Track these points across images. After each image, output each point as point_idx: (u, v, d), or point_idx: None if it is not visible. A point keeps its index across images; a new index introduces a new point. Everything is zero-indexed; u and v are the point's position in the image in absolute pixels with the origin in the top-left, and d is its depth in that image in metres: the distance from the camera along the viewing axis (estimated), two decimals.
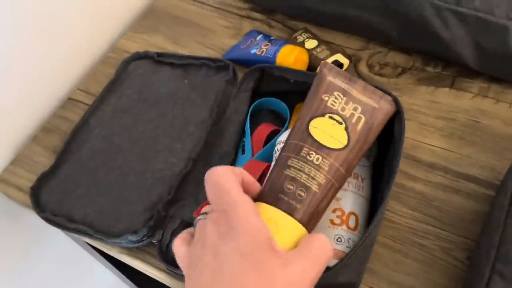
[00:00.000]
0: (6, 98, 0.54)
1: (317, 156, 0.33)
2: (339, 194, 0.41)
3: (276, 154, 0.46)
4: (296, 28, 0.61)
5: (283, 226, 0.31)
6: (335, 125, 0.35)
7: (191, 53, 0.62)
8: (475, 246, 0.41)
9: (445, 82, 0.54)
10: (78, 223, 0.47)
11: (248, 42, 0.59)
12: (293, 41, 0.58)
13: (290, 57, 0.54)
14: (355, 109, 0.36)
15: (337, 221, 0.40)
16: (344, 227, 0.40)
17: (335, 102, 0.36)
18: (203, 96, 0.55)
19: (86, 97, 0.60)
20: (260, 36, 0.59)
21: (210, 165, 0.49)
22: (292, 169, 0.33)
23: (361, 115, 0.36)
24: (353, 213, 0.41)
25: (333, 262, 0.38)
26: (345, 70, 0.56)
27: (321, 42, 0.57)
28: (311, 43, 0.57)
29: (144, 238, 0.44)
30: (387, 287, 0.42)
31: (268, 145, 0.48)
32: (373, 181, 0.44)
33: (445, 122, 0.51)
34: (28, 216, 0.62)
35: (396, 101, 0.40)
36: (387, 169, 0.42)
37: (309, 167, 0.33)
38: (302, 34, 0.58)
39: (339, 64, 0.55)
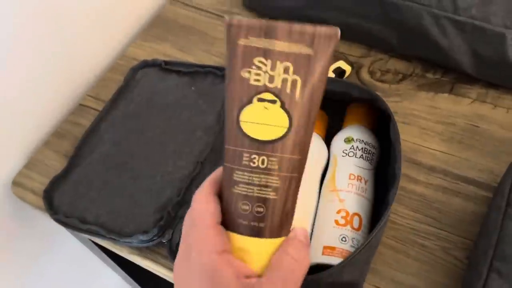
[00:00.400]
0: (19, 104, 0.56)
1: (261, 158, 0.28)
2: (343, 196, 0.43)
3: None
4: None
5: (254, 252, 0.29)
6: (269, 107, 0.28)
7: (198, 61, 0.63)
8: (473, 246, 0.43)
9: (444, 88, 0.56)
10: (90, 224, 0.48)
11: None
12: None
13: None
14: (286, 70, 0.28)
15: (342, 221, 0.42)
16: (349, 227, 0.41)
17: (259, 74, 0.28)
18: (210, 103, 0.57)
19: (96, 103, 0.62)
20: None
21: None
22: (241, 185, 0.29)
23: (295, 76, 0.27)
24: (357, 214, 0.42)
25: (338, 260, 0.40)
26: (347, 76, 0.58)
27: None
28: None
29: (155, 238, 0.46)
30: (390, 286, 0.44)
31: None
32: (376, 183, 0.46)
33: (444, 127, 0.53)
34: (39, 221, 0.64)
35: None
36: (390, 173, 0.44)
37: (257, 175, 0.28)
38: None
39: (341, 71, 0.57)
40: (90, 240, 0.65)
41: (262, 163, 0.28)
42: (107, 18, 0.65)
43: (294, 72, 0.27)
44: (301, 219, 0.43)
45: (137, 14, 0.70)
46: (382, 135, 0.48)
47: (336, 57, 0.59)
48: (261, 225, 0.28)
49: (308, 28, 0.27)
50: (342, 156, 0.46)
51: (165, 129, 0.56)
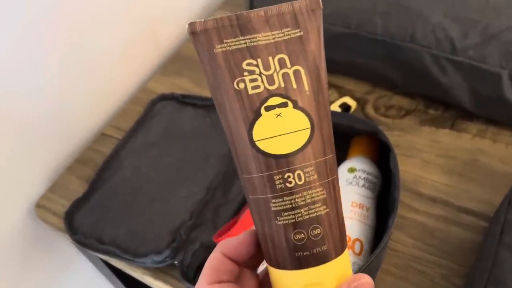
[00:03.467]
0: (45, 131, 0.61)
1: (296, 174, 0.24)
2: (346, 222, 0.45)
3: None
4: None
5: (329, 279, 0.24)
6: (281, 112, 0.23)
7: None
8: (470, 270, 0.44)
9: (446, 123, 0.59)
10: (107, 244, 0.51)
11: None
12: None
13: None
14: (282, 64, 0.23)
15: None
16: (350, 251, 0.44)
17: (255, 80, 0.23)
18: (223, 133, 0.61)
19: (117, 132, 0.66)
20: None
21: (228, 195, 0.54)
22: (284, 214, 0.24)
23: (296, 67, 0.24)
24: (358, 240, 0.45)
25: None
26: (353, 112, 0.61)
27: (330, 86, 0.63)
28: None
29: (167, 259, 0.48)
30: None
31: None
32: (378, 210, 0.48)
33: (446, 160, 0.56)
34: (58, 244, 0.67)
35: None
36: (390, 201, 0.46)
37: (298, 195, 0.24)
38: None
39: (347, 106, 0.61)
40: (105, 264, 0.68)
41: (299, 178, 0.24)
42: (129, 55, 0.70)
43: (292, 62, 0.23)
44: None
45: (157, 51, 0.76)
46: (385, 165, 0.51)
47: (342, 93, 0.62)
48: (324, 247, 0.24)
49: (285, 7, 0.23)
50: (345, 185, 0.48)
51: (181, 156, 0.60)
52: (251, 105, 0.23)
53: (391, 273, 0.47)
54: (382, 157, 0.52)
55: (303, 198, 0.24)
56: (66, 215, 0.55)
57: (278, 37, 0.23)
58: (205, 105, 0.65)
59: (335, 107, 0.60)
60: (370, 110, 0.62)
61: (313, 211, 0.24)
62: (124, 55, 0.69)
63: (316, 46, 0.24)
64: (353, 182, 0.48)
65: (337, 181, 0.25)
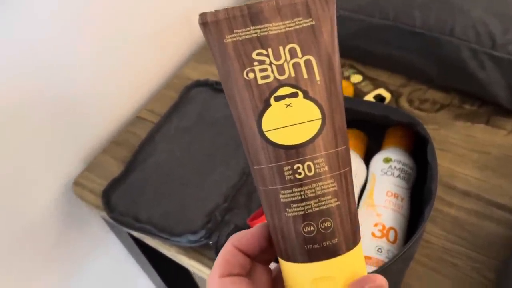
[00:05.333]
0: (84, 114, 0.63)
1: (306, 165, 0.23)
2: (380, 211, 0.46)
3: None
4: (342, 64, 0.67)
5: (339, 273, 0.24)
6: (292, 102, 0.23)
7: None
8: (502, 265, 0.45)
9: (481, 119, 0.59)
10: (143, 223, 0.53)
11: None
12: None
13: None
14: (292, 53, 0.23)
15: (378, 234, 0.45)
16: (385, 239, 0.44)
17: (265, 70, 0.23)
18: None
19: (151, 116, 0.67)
20: None
21: None
22: (294, 206, 0.23)
23: (307, 56, 0.23)
24: (393, 228, 0.45)
25: (373, 269, 0.42)
26: (387, 103, 0.61)
27: (365, 77, 0.63)
28: (356, 78, 0.63)
29: (202, 239, 0.50)
30: None
31: None
32: (412, 202, 0.48)
33: (479, 155, 0.55)
34: (89, 222, 0.69)
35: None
36: (426, 193, 0.46)
37: (309, 186, 0.23)
38: (348, 70, 0.65)
39: (381, 98, 0.61)
40: (136, 243, 0.70)
41: (309, 170, 0.23)
42: (164, 41, 0.72)
43: (304, 52, 0.23)
44: None
45: (192, 38, 0.77)
46: (418, 157, 0.51)
47: (376, 85, 0.62)
48: (335, 241, 0.24)
49: None
50: (381, 174, 0.49)
51: (214, 142, 0.61)
52: (261, 95, 0.23)
53: (423, 263, 0.48)
54: (416, 149, 0.53)
55: (313, 190, 0.23)
56: (104, 193, 0.57)
57: (289, 27, 0.23)
58: None
59: (370, 98, 0.61)
60: (404, 103, 0.62)
61: (323, 203, 0.23)
62: (159, 41, 0.71)
63: (328, 36, 0.24)
64: (388, 172, 0.49)
65: (350, 173, 0.25)
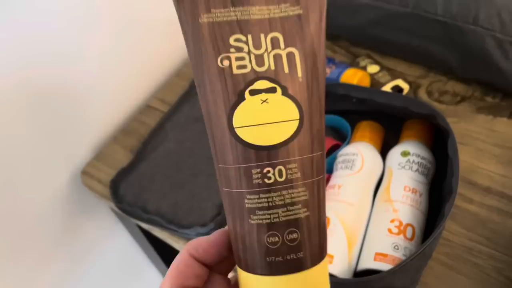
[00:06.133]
0: (92, 102, 0.61)
1: (277, 169, 0.21)
2: (397, 206, 0.44)
3: (336, 167, 0.50)
4: (359, 54, 0.65)
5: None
6: (268, 98, 0.21)
7: None
8: None
9: (504, 112, 0.56)
10: (152, 214, 0.51)
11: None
12: (356, 65, 0.61)
13: (353, 79, 0.58)
14: (274, 43, 0.21)
15: (395, 230, 0.43)
16: (402, 236, 0.42)
17: (242, 58, 0.20)
18: None
19: (161, 105, 0.66)
20: None
21: None
22: (259, 212, 0.21)
23: (290, 49, 0.21)
24: (410, 225, 0.43)
25: (389, 267, 0.40)
26: (405, 94, 0.59)
27: (383, 67, 0.61)
28: (373, 68, 0.61)
29: (211, 232, 0.48)
30: None
31: (329, 157, 0.51)
32: (430, 197, 0.46)
33: (502, 150, 0.53)
34: (97, 211, 0.68)
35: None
36: (445, 188, 0.44)
37: (277, 193, 0.21)
38: (365, 59, 0.62)
39: (399, 89, 0.59)
40: (143, 234, 0.69)
41: (280, 175, 0.21)
42: (175, 29, 0.70)
43: (287, 44, 0.21)
44: (353, 227, 0.44)
45: None
46: (437, 152, 0.49)
47: (394, 75, 0.60)
48: (300, 254, 0.21)
49: None
50: (398, 168, 0.47)
51: None
52: (235, 86, 0.20)
53: (442, 262, 0.46)
54: (435, 143, 0.50)
55: (282, 197, 0.21)
56: (112, 183, 0.56)
57: (274, 13, 0.20)
58: None
59: (387, 89, 0.58)
60: (423, 94, 0.59)
61: (291, 212, 0.21)
62: (170, 29, 0.69)
63: (316, 28, 0.21)
64: (406, 166, 0.46)
65: (324, 182, 0.22)
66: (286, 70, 0.21)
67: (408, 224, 0.43)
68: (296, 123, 0.21)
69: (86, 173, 0.60)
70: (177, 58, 0.72)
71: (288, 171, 0.21)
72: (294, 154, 0.21)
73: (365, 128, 0.52)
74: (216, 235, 0.23)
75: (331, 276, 0.41)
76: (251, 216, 0.21)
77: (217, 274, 0.24)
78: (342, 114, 0.56)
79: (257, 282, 0.22)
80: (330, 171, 0.51)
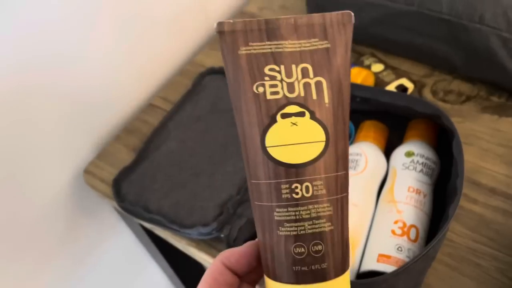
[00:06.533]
0: (95, 99, 0.61)
1: (304, 186, 0.23)
2: (401, 207, 0.44)
3: None
4: (363, 53, 0.64)
5: None
6: (298, 121, 0.23)
7: None
8: None
9: (509, 112, 0.56)
10: (154, 213, 0.51)
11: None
12: (360, 64, 0.61)
13: (358, 78, 0.57)
14: (304, 73, 0.23)
15: (398, 232, 0.42)
16: (405, 238, 0.42)
17: (275, 86, 0.23)
18: None
19: (164, 104, 0.65)
20: None
21: None
22: (287, 225, 0.23)
23: (318, 78, 0.23)
24: (414, 226, 0.43)
25: (392, 268, 0.40)
26: (409, 94, 0.59)
27: (387, 66, 0.60)
28: (377, 67, 0.60)
29: (213, 232, 0.48)
30: None
31: None
32: (434, 198, 0.46)
33: (507, 150, 0.52)
34: (100, 210, 0.68)
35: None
36: (450, 189, 0.44)
37: (304, 207, 0.23)
38: (369, 58, 0.62)
39: (404, 88, 0.58)
40: (146, 233, 0.69)
41: (307, 191, 0.23)
42: (179, 28, 0.70)
43: (315, 73, 0.23)
44: (356, 227, 0.44)
45: (207, 25, 0.75)
46: (442, 152, 0.48)
47: (399, 74, 0.60)
48: (323, 265, 0.23)
49: (316, 17, 0.23)
50: (402, 169, 0.46)
51: (227, 132, 0.59)
52: (268, 110, 0.23)
53: (445, 263, 0.46)
54: (440, 143, 0.50)
55: (308, 212, 0.23)
56: (114, 182, 0.56)
57: (304, 47, 0.23)
58: None
59: (392, 88, 0.58)
60: (427, 94, 0.59)
61: (317, 226, 0.23)
62: (174, 28, 0.69)
63: (342, 60, 0.24)
64: (410, 166, 0.46)
65: (347, 200, 0.24)
66: (314, 96, 0.23)
67: (412, 225, 0.43)
68: (323, 144, 0.23)
69: (89, 172, 0.60)
70: (180, 57, 0.72)
71: (314, 188, 0.23)
72: (320, 172, 0.23)
73: (369, 128, 0.51)
74: (247, 246, 0.25)
75: None
76: (280, 228, 0.23)
77: (245, 284, 0.26)
78: None
79: None
80: None
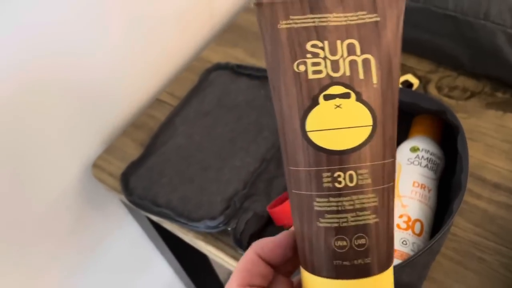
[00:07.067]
0: (103, 94, 0.62)
1: (348, 174, 0.21)
2: (405, 202, 0.44)
3: None
4: None
5: None
6: (342, 104, 0.21)
7: None
8: None
9: None
10: (162, 207, 0.52)
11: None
12: None
13: None
14: (351, 50, 0.21)
15: (403, 225, 0.43)
16: (410, 231, 0.43)
17: (317, 64, 0.21)
18: None
19: (171, 99, 0.66)
20: None
21: (282, 168, 0.54)
22: (328, 216, 0.21)
23: (366, 55, 0.21)
24: (419, 220, 0.43)
25: (397, 262, 0.41)
26: (415, 90, 0.59)
27: None
28: None
29: (220, 225, 0.49)
30: None
31: None
32: (439, 193, 0.46)
33: (511, 146, 0.53)
34: (107, 204, 0.69)
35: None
36: (454, 184, 0.44)
37: (348, 198, 0.21)
38: None
39: (409, 84, 0.59)
40: (153, 226, 0.70)
41: (351, 180, 0.21)
42: (185, 24, 0.70)
43: (363, 50, 0.21)
44: None
45: (213, 21, 0.75)
46: (447, 148, 0.49)
47: (404, 70, 0.60)
48: (367, 260, 0.22)
49: None
50: (407, 164, 0.47)
51: (234, 127, 0.59)
52: (309, 91, 0.21)
53: (449, 257, 0.46)
54: (444, 139, 0.50)
55: (352, 202, 0.21)
56: (122, 176, 0.56)
57: (351, 20, 0.21)
58: (261, 76, 0.64)
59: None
60: (432, 89, 0.59)
61: (360, 218, 0.21)
62: (180, 23, 0.69)
63: (393, 36, 0.21)
64: (415, 161, 0.47)
65: (393, 189, 0.22)
66: (361, 76, 0.21)
67: (416, 220, 0.43)
68: (369, 129, 0.21)
69: (97, 166, 0.61)
70: (187, 52, 0.72)
71: (359, 177, 0.21)
72: (365, 160, 0.21)
73: None
74: (282, 236, 0.24)
75: None
76: (320, 219, 0.22)
77: (280, 275, 0.25)
78: None
79: (322, 284, 0.22)
80: None
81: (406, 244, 0.42)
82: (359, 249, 0.22)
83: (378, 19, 0.21)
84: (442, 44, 0.58)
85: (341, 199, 0.21)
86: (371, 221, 0.21)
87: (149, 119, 0.64)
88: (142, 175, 0.56)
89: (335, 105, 0.21)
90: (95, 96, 0.61)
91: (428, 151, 0.47)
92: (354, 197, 0.21)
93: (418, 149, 0.47)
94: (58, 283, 0.67)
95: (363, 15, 0.21)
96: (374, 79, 0.21)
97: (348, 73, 0.21)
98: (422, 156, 0.47)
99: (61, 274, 0.66)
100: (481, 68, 0.58)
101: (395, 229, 0.43)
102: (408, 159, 0.47)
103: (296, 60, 0.21)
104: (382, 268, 0.22)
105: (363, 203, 0.21)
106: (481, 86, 0.59)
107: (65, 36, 0.54)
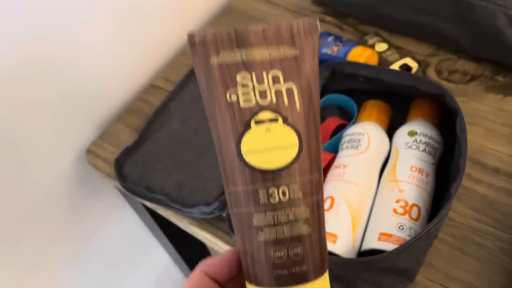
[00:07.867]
0: (97, 81, 0.61)
1: (281, 190, 0.24)
2: (403, 186, 0.44)
3: (341, 146, 0.49)
4: (367, 32, 0.63)
5: None
6: (271, 127, 0.24)
7: None
8: None
9: None
10: (156, 193, 0.51)
11: (319, 43, 0.62)
12: (364, 44, 0.60)
13: (361, 58, 0.57)
14: (275, 80, 0.24)
15: (400, 210, 0.42)
16: (407, 216, 0.42)
17: (247, 93, 0.24)
18: None
19: (166, 84, 0.65)
20: (331, 37, 0.62)
21: None
22: (266, 229, 0.24)
23: (289, 84, 0.24)
24: (416, 205, 0.43)
25: (394, 247, 0.40)
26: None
27: (391, 46, 0.59)
28: (381, 46, 0.60)
29: (215, 211, 0.48)
30: (444, 281, 0.44)
31: (335, 136, 0.51)
32: (437, 178, 0.46)
33: (511, 130, 0.52)
34: (102, 191, 0.68)
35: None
36: (453, 169, 0.44)
37: (282, 211, 0.24)
38: (373, 37, 0.61)
39: (407, 68, 0.57)
40: (148, 212, 0.69)
41: (284, 195, 0.24)
42: (180, 8, 0.69)
43: (286, 80, 0.24)
44: (358, 207, 0.44)
45: (208, 4, 0.74)
46: (445, 133, 0.48)
47: (403, 54, 0.59)
48: (303, 267, 0.24)
49: (284, 26, 0.24)
50: (405, 148, 0.46)
51: None
52: (242, 117, 0.23)
53: (447, 243, 0.45)
54: (444, 123, 0.49)
55: (286, 215, 0.24)
56: (116, 162, 0.56)
57: (274, 54, 0.24)
58: None
59: (395, 68, 0.57)
60: (432, 73, 0.58)
61: (295, 229, 0.24)
62: (175, 8, 0.68)
63: (310, 66, 0.24)
64: (413, 146, 0.46)
65: (322, 201, 0.25)
66: (286, 102, 0.24)
67: (413, 205, 0.42)
68: (296, 148, 0.24)
69: (91, 152, 0.60)
70: (182, 37, 0.71)
71: (291, 191, 0.24)
72: (295, 176, 0.24)
73: (372, 107, 0.51)
74: (227, 253, 0.25)
75: (335, 255, 0.41)
76: (259, 233, 0.24)
77: None
78: (348, 93, 0.55)
79: None
80: (335, 151, 0.50)
81: (403, 229, 0.41)
82: (295, 258, 0.24)
83: (297, 52, 0.24)
84: (442, 27, 0.57)
85: (276, 212, 0.23)
86: (304, 231, 0.24)
87: (144, 104, 0.63)
88: (136, 161, 0.56)
89: (265, 129, 0.23)
90: (88, 81, 0.60)
91: (426, 135, 0.46)
92: (287, 210, 0.24)
93: (416, 133, 0.46)
94: (54, 272, 0.66)
95: (283, 49, 0.24)
96: (297, 105, 0.24)
97: (274, 101, 0.24)
98: (420, 140, 0.46)
99: (56, 261, 0.66)
100: (481, 51, 0.57)
101: (392, 214, 0.42)
102: (406, 143, 0.46)
103: (228, 91, 0.23)
104: (317, 274, 0.24)
105: (296, 215, 0.24)
106: (481, 69, 0.58)
107: (58, 21, 0.53)
